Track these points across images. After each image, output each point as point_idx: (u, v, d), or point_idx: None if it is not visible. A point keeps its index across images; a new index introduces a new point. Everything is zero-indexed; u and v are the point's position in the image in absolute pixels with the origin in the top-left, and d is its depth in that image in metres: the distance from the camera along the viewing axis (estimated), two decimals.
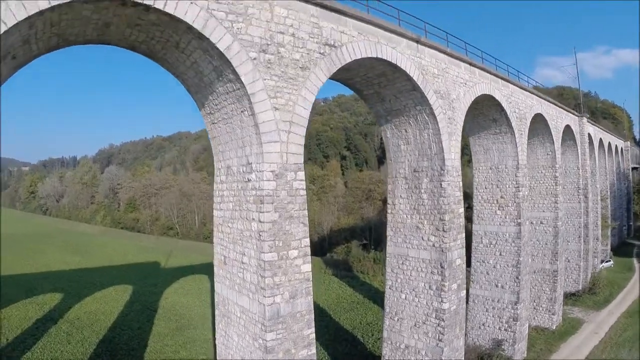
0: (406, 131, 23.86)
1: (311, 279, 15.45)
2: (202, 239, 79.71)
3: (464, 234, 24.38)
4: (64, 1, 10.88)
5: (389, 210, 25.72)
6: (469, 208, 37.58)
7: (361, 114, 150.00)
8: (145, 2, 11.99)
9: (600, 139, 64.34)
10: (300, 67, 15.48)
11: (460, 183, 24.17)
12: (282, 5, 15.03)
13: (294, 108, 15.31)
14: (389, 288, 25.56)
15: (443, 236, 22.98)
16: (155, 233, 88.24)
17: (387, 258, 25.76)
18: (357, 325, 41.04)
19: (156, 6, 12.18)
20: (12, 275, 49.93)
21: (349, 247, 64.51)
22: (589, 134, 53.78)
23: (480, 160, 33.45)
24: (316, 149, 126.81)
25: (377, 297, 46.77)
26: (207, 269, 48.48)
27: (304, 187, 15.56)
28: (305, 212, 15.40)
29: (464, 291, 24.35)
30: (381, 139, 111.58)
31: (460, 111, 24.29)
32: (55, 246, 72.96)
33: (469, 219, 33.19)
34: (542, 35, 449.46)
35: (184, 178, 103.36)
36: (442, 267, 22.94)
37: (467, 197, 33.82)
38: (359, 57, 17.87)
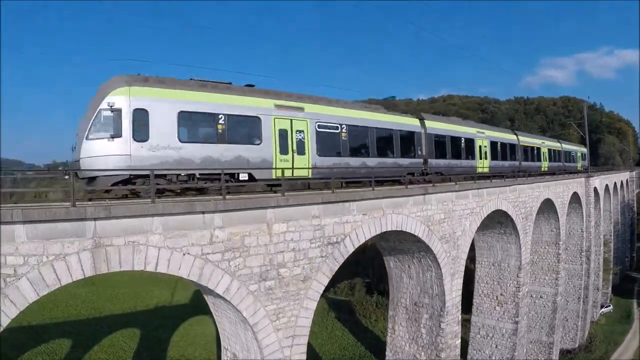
0: (409, 267, 23.56)
1: None
2: None
3: None
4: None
5: (388, 333, 25.75)
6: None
7: None
8: (135, 269, 11.77)
9: (606, 185, 63.58)
10: (302, 280, 15.10)
11: (459, 317, 24.08)
12: (281, 219, 14.56)
13: (296, 322, 15.00)
14: None
15: None
16: None
17: None
18: None
19: (148, 269, 11.94)
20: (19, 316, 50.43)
21: (352, 284, 64.51)
22: (595, 188, 53.12)
23: (483, 255, 33.15)
24: None
25: (377, 349, 47.04)
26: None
27: None
28: None
29: None
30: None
31: (465, 246, 23.92)
32: None
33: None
34: (545, 36, 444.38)
35: None
36: None
37: None
38: (362, 241, 17.48)
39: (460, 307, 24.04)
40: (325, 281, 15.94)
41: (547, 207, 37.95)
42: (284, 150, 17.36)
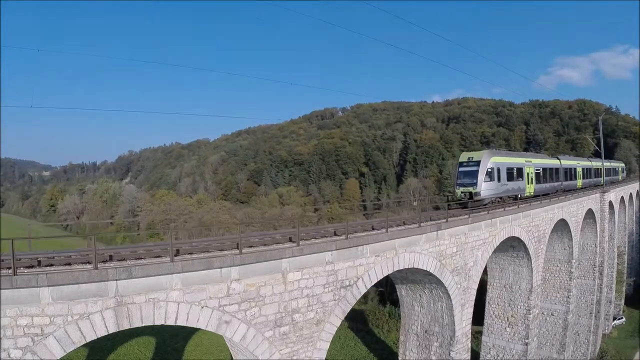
0: (420, 297, 23.83)
1: None
2: None
3: None
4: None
5: (400, 358, 26.01)
6: None
7: (380, 127, 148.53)
8: (156, 323, 12.27)
9: (622, 197, 62.84)
10: (315, 323, 15.50)
11: (469, 344, 24.29)
12: (295, 268, 14.93)
13: None
14: None
15: None
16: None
17: None
18: None
19: (168, 323, 12.42)
20: None
21: (366, 292, 64.73)
22: (610, 202, 52.59)
23: (495, 277, 33.23)
24: (335, 165, 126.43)
25: None
26: None
27: None
28: None
29: None
30: (399, 159, 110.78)
31: (477, 276, 24.11)
32: None
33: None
34: (559, 35, 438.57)
35: (203, 197, 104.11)
36: None
37: None
38: (375, 282, 17.81)
39: (469, 336, 24.25)
40: (338, 322, 16.33)
41: (561, 226, 37.83)
42: (528, 182, 34.04)
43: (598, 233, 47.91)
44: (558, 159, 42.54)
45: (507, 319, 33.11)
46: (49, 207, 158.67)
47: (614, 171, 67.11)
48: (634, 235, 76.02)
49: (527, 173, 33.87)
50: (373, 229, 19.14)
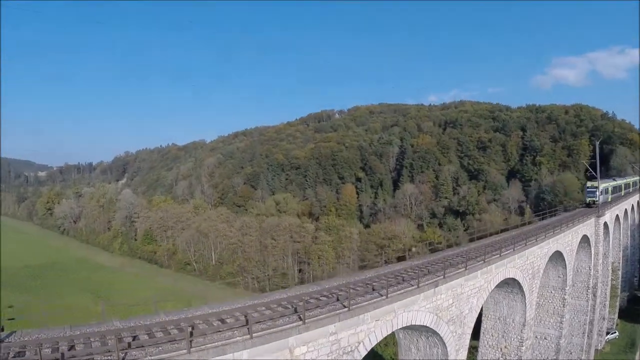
0: (417, 341, 24.76)
1: None
2: (218, 279, 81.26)
3: None
4: None
5: None
6: None
7: (376, 131, 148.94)
8: None
9: (617, 215, 63.95)
10: None
11: None
12: (301, 343, 15.80)
13: None
14: None
15: None
16: (173, 267, 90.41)
17: None
18: None
19: None
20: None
21: None
22: (605, 223, 53.58)
23: (489, 309, 34.22)
24: (331, 169, 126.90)
25: None
26: None
27: None
28: None
29: None
30: (396, 164, 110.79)
31: (471, 321, 25.04)
32: (76, 286, 75.42)
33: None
34: (556, 35, 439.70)
35: (200, 202, 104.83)
36: None
37: None
38: (375, 343, 18.69)
39: None
40: None
41: (556, 256, 38.79)
42: (608, 194, 60.76)
43: (592, 256, 48.94)
44: (615, 179, 68.45)
45: (501, 350, 34.15)
46: (45, 211, 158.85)
47: (635, 183, 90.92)
48: (628, 249, 77.15)
49: (608, 189, 59.69)
50: (374, 290, 19.95)
